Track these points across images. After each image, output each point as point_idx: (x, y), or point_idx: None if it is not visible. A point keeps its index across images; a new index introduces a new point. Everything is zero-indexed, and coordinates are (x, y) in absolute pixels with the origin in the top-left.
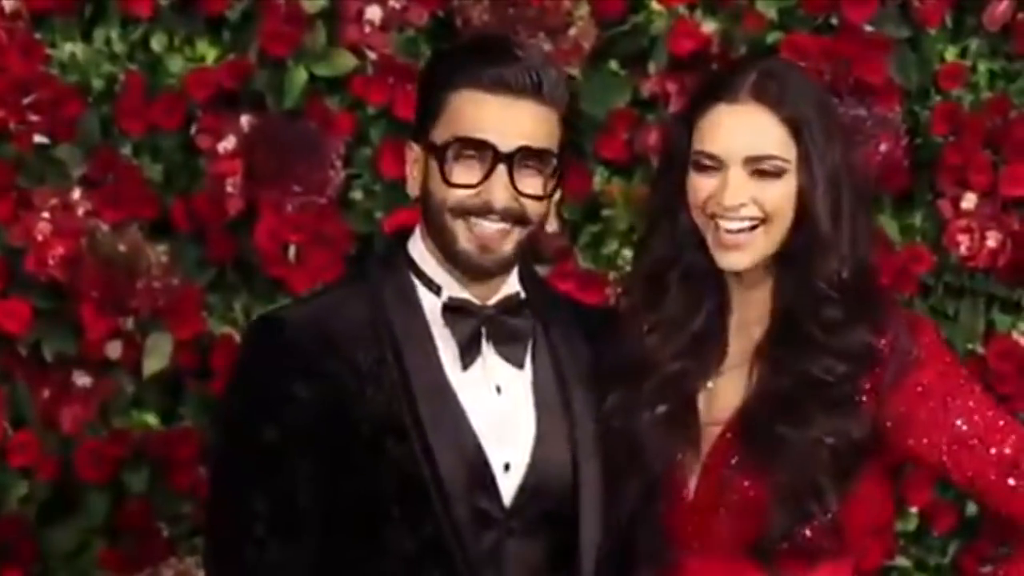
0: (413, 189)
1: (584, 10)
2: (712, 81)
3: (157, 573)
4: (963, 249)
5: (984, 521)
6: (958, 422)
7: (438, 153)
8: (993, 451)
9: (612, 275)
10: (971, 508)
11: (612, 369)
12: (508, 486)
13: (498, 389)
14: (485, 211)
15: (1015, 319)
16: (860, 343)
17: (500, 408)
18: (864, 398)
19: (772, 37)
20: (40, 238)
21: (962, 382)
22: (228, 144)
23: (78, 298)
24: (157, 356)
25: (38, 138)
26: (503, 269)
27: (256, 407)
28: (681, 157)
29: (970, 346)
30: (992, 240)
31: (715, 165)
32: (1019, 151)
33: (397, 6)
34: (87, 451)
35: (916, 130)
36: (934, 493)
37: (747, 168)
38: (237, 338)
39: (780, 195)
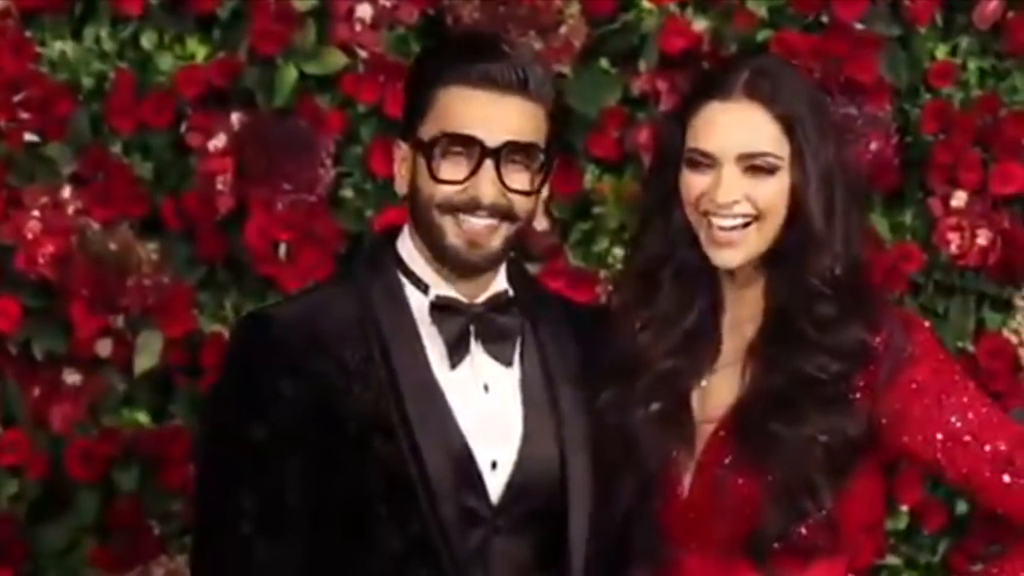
0: (401, 187)
1: (575, 8)
2: (705, 79)
3: (148, 571)
4: (953, 247)
5: (974, 520)
6: (952, 419)
7: (425, 149)
8: (987, 448)
9: (603, 273)
10: (961, 507)
11: (604, 366)
12: (495, 484)
13: (486, 387)
14: (473, 207)
15: (1005, 317)
16: (854, 341)
17: (488, 406)
18: (858, 396)
19: (762, 35)
20: (30, 236)
21: (956, 379)
22: (218, 142)
23: (68, 296)
24: (147, 354)
25: (28, 136)
26: (491, 265)
27: (243, 405)
28: (674, 155)
29: (960, 344)
30: (982, 238)
31: (708, 162)
32: (1009, 149)
33: (387, 4)
34: (77, 449)
35: (906, 128)
36: (924, 492)
37: (740, 165)
38: (227, 336)
39: (773, 192)
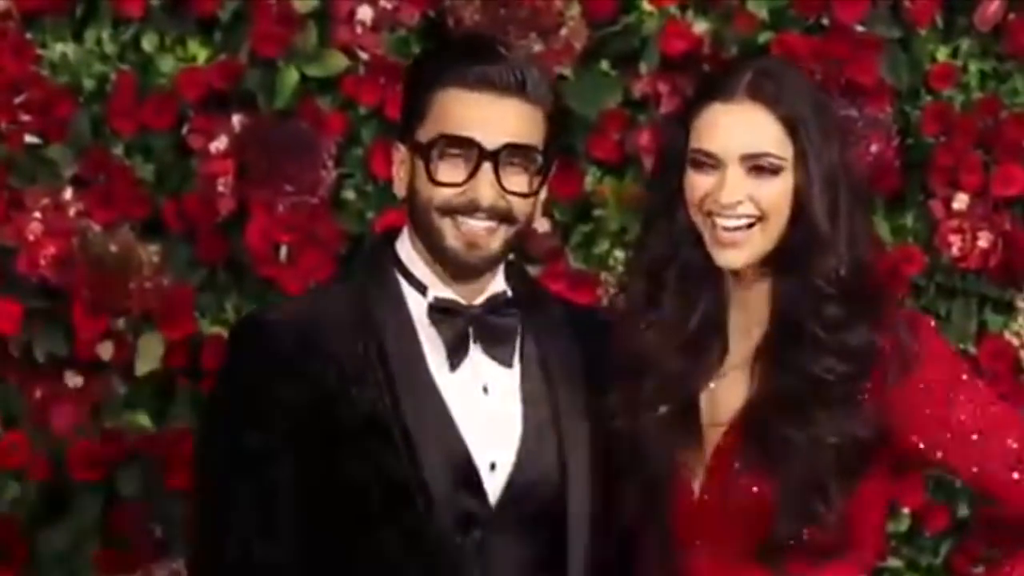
0: (400, 189)
1: (575, 10)
2: (709, 80)
3: (149, 574)
4: (955, 250)
5: (976, 522)
6: (961, 418)
7: (424, 152)
8: (997, 446)
9: (603, 275)
10: (963, 509)
11: (610, 368)
12: (494, 485)
13: (485, 389)
14: (471, 209)
15: (1007, 319)
16: (861, 342)
17: (487, 408)
18: (867, 397)
19: (763, 37)
20: (31, 238)
21: (964, 378)
22: (219, 144)
23: (70, 298)
24: (149, 356)
25: (29, 138)
26: (490, 267)
27: (241, 407)
28: (678, 156)
29: (962, 347)
30: (984, 240)
31: (712, 163)
32: (1010, 151)
33: (388, 6)
34: (79, 452)
35: (907, 131)
36: (926, 494)
37: (744, 166)
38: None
39: (777, 193)
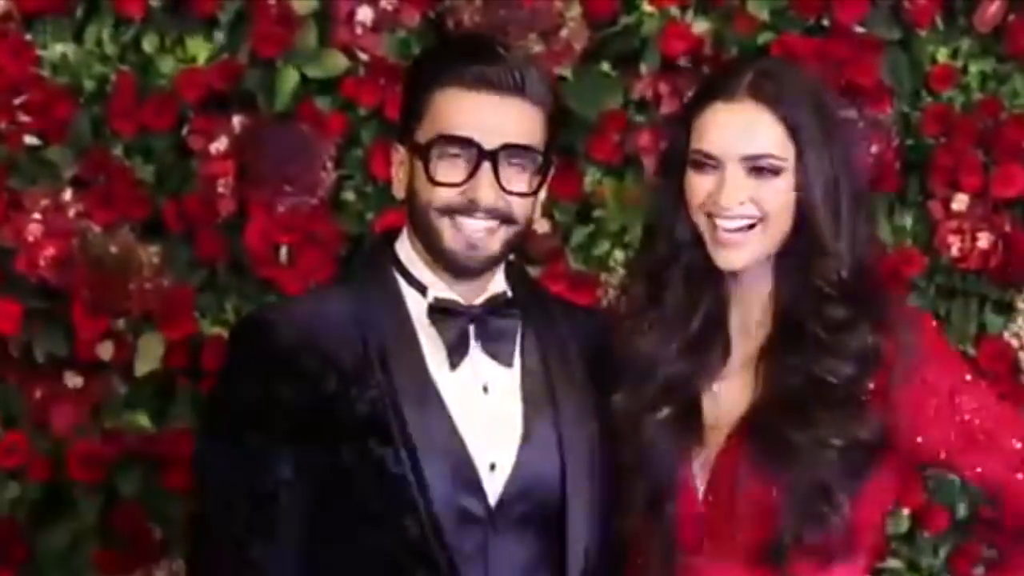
0: (399, 190)
1: (575, 11)
2: (710, 80)
3: (149, 574)
4: (954, 250)
5: (976, 522)
6: (965, 418)
7: (423, 152)
8: (1001, 446)
9: (603, 276)
10: (962, 510)
11: (611, 369)
12: (494, 485)
13: (485, 388)
14: (471, 209)
15: (1006, 320)
16: (863, 343)
17: (487, 408)
18: (870, 398)
19: (763, 38)
20: (31, 239)
21: (967, 378)
22: (219, 145)
23: (69, 299)
24: (149, 357)
25: (29, 139)
26: (489, 267)
27: (241, 406)
28: (680, 157)
29: (961, 347)
30: (983, 241)
31: (713, 164)
32: (1010, 152)
33: (388, 7)
34: (79, 452)
35: (907, 131)
36: (925, 494)
37: (744, 166)
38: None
39: (777, 194)
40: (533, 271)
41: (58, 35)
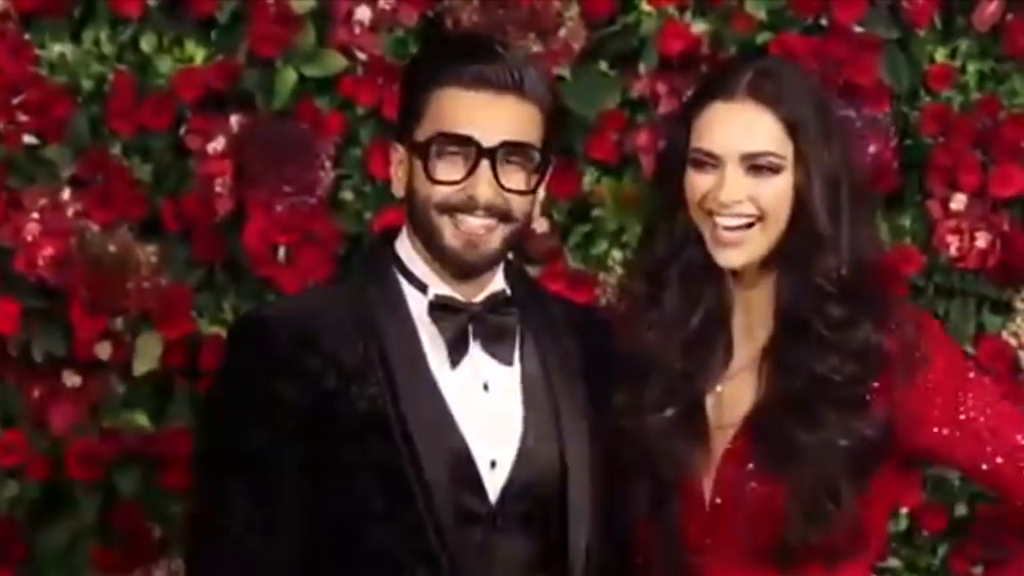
0: (398, 189)
1: (574, 11)
2: (709, 80)
3: (148, 574)
4: (953, 250)
5: (975, 522)
6: (970, 415)
7: (421, 150)
8: (1006, 442)
9: (602, 275)
10: (961, 509)
11: (612, 367)
12: (494, 483)
13: (485, 386)
14: (470, 207)
15: (1005, 320)
16: (866, 341)
17: (487, 405)
18: (875, 397)
19: (762, 38)
20: (30, 238)
21: (971, 376)
22: (217, 145)
23: (68, 298)
24: (147, 356)
25: (27, 138)
26: (488, 265)
27: (239, 405)
28: (679, 155)
29: (960, 347)
30: (982, 241)
31: (712, 162)
32: (1009, 152)
33: (387, 7)
34: (77, 451)
35: (905, 131)
36: (924, 494)
37: (743, 165)
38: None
39: (776, 192)
40: (531, 270)
41: (56, 35)
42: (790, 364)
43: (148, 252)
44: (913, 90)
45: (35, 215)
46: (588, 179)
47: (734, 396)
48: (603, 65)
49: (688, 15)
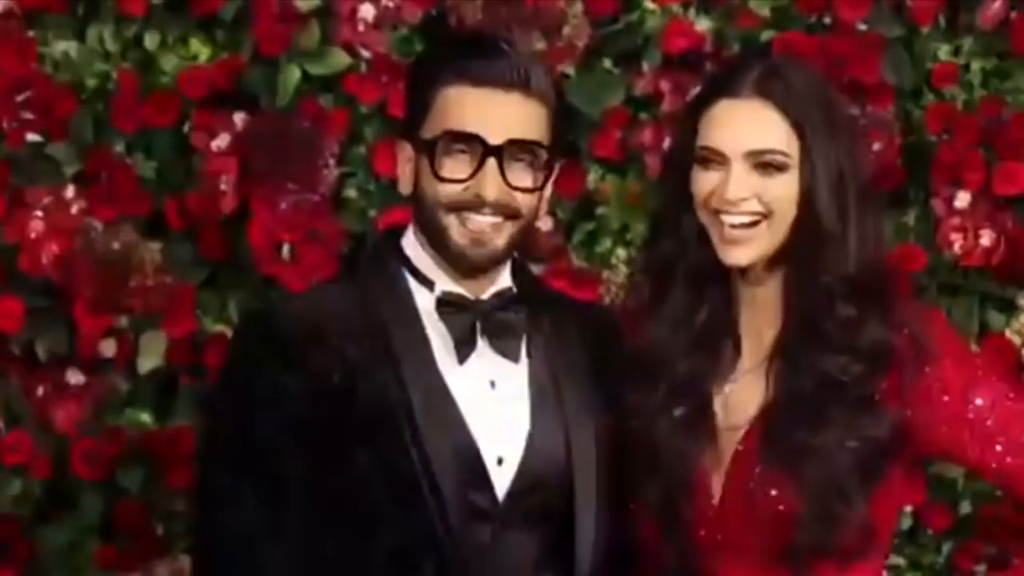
0: (405, 187)
1: (578, 8)
2: (716, 77)
3: (151, 571)
4: (957, 248)
5: (978, 520)
6: (979, 415)
7: (428, 148)
8: (1016, 439)
9: (605, 273)
10: (965, 507)
11: (619, 366)
12: (501, 480)
13: (492, 384)
14: (477, 205)
15: (1008, 317)
16: (874, 340)
17: (494, 402)
18: (883, 396)
19: (765, 35)
20: (33, 236)
21: (980, 373)
22: (221, 142)
23: (71, 296)
24: (151, 354)
25: (31, 136)
26: (495, 264)
27: (245, 401)
28: (685, 153)
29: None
30: (986, 239)
31: (718, 160)
32: (1012, 149)
33: (391, 4)
34: (81, 449)
35: (909, 129)
36: (928, 492)
37: (749, 162)
38: (230, 336)
39: (782, 190)
40: (535, 268)
41: (60, 33)
42: (798, 364)
43: (152, 250)
44: (917, 88)
45: (39, 213)
46: (592, 177)
47: (742, 396)
48: (607, 63)
49: (692, 13)
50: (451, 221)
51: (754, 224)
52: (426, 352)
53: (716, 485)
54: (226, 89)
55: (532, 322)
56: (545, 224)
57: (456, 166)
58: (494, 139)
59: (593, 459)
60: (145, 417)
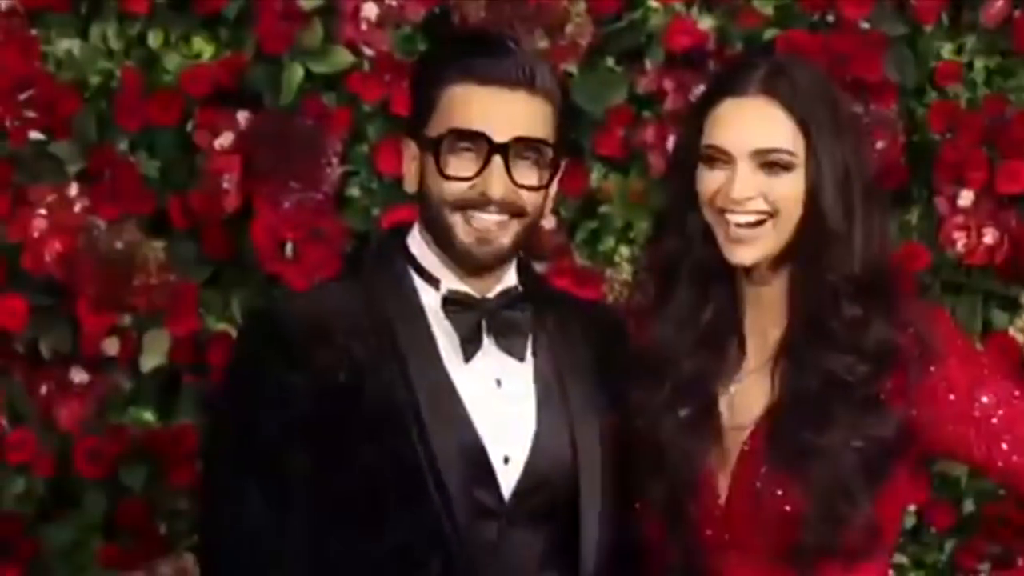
0: (411, 185)
1: (581, 7)
2: (722, 76)
3: (155, 570)
4: (960, 246)
5: (982, 519)
6: (985, 412)
7: (434, 147)
8: (1022, 438)
9: (608, 272)
10: (968, 506)
11: (624, 364)
12: (507, 479)
13: (498, 382)
14: (483, 203)
15: (1012, 316)
16: (880, 340)
17: (500, 401)
18: (889, 397)
19: (769, 34)
20: (37, 235)
21: (985, 372)
22: (225, 141)
23: (75, 295)
24: (154, 353)
25: (35, 135)
26: (501, 262)
27: (251, 399)
28: (691, 152)
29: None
30: (989, 237)
31: (724, 159)
32: (1016, 148)
33: (394, 3)
34: (85, 448)
35: (912, 128)
36: (931, 491)
37: (755, 161)
38: (234, 335)
39: (788, 189)
40: (538, 266)
41: (63, 31)
42: (804, 364)
43: (155, 248)
44: (920, 86)
45: (42, 211)
46: (595, 175)
47: (747, 396)
48: (610, 61)
49: (695, 11)
50: (457, 220)
51: (759, 223)
52: (432, 350)
53: (722, 485)
54: (229, 87)
55: (537, 321)
56: (548, 222)
57: (462, 164)
58: (500, 137)
59: (598, 458)
60: (148, 415)
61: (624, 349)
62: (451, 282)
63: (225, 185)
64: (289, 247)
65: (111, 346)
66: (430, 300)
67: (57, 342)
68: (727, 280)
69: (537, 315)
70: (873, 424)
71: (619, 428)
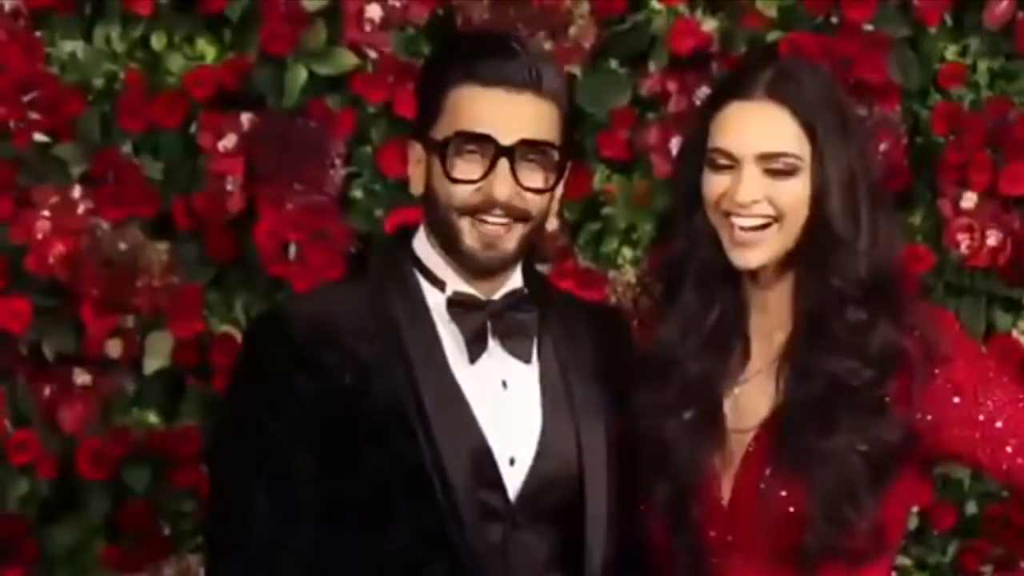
0: (416, 188)
1: (584, 9)
2: (727, 78)
3: (158, 572)
4: (963, 248)
5: (984, 520)
6: (990, 417)
7: (440, 149)
8: None
9: (612, 274)
10: (971, 507)
11: (629, 367)
12: (513, 480)
13: (504, 384)
14: (488, 206)
15: (1015, 318)
16: (885, 343)
17: (506, 403)
18: (894, 400)
19: (772, 36)
20: (40, 236)
21: (991, 376)
22: (228, 143)
23: (78, 297)
24: (157, 355)
25: (38, 136)
26: (506, 266)
27: (258, 401)
28: (697, 155)
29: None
30: (992, 239)
31: (729, 162)
32: (1019, 150)
33: (397, 5)
34: (88, 450)
35: (916, 129)
36: (934, 492)
37: (760, 165)
38: (237, 337)
39: (794, 193)
40: (542, 269)
41: (67, 33)
42: (808, 367)
43: (159, 250)
44: (923, 88)
45: (46, 213)
46: (598, 177)
47: (751, 399)
48: (613, 63)
49: (698, 13)
50: (464, 224)
51: (765, 227)
52: (438, 352)
53: (726, 486)
54: (233, 89)
55: (542, 323)
56: (551, 224)
57: (468, 167)
58: (506, 139)
59: (603, 460)
60: (151, 417)
61: (629, 351)
62: (457, 284)
63: (229, 187)
64: (292, 249)
65: (114, 348)
66: (436, 302)
67: (60, 344)
68: (732, 283)
69: (542, 317)
70: (878, 427)
71: (624, 430)
